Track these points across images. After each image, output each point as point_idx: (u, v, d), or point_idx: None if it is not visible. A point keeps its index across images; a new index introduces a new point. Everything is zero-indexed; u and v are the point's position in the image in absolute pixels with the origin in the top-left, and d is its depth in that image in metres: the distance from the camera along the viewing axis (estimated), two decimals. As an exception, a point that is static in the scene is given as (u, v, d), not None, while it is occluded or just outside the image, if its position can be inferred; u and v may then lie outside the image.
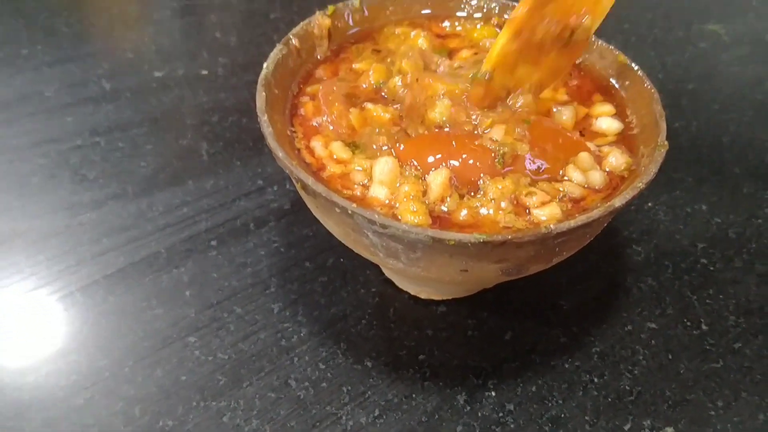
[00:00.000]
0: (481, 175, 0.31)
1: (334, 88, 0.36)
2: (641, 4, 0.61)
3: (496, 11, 0.41)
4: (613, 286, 0.40)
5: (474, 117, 0.33)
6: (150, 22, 0.57)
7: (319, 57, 0.38)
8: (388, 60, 0.38)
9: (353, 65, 0.38)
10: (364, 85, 0.36)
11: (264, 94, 0.33)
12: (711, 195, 0.45)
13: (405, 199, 0.30)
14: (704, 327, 0.38)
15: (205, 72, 0.52)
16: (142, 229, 0.41)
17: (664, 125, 0.33)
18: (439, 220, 0.30)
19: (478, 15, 0.41)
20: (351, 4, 0.39)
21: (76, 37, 0.54)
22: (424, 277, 0.32)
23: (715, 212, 0.44)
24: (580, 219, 0.29)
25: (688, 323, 0.38)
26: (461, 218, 0.30)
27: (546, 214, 0.30)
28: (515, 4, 0.34)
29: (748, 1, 0.64)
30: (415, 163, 0.31)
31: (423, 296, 0.38)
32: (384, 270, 0.39)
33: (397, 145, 0.32)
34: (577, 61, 0.39)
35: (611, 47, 0.38)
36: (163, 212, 0.42)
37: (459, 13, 0.42)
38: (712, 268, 0.41)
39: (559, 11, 0.33)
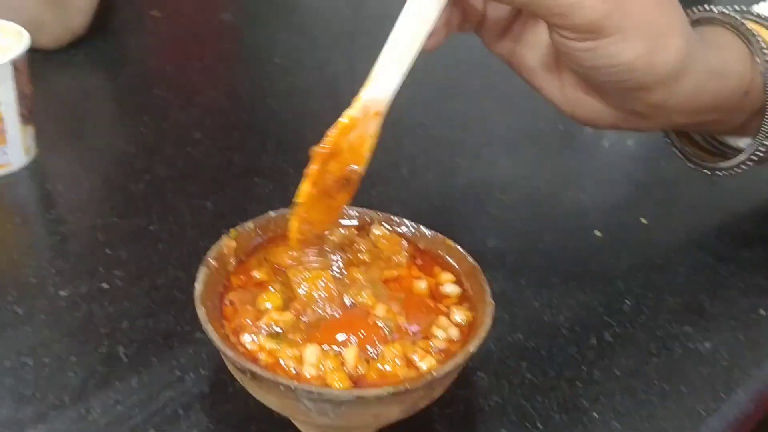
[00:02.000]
0: (376, 343, 0.44)
1: (246, 298, 0.47)
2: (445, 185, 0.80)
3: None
4: (469, 406, 0.53)
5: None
6: (44, 247, 0.65)
7: (230, 269, 0.50)
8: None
9: (253, 274, 0.50)
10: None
11: (203, 308, 0.44)
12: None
13: (330, 372, 0.42)
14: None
15: (106, 286, 0.60)
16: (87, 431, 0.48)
17: (488, 288, 0.48)
18: (355, 381, 0.42)
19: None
20: (247, 227, 0.51)
21: (-23, 271, 0.61)
22: (342, 426, 0.43)
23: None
24: (450, 364, 0.42)
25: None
26: (372, 377, 0.42)
27: (426, 364, 0.43)
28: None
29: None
30: (329, 346, 0.43)
31: (335, 443, 0.49)
32: (300, 427, 0.49)
33: (315, 333, 0.44)
34: (421, 247, 0.53)
35: (438, 235, 0.53)
36: (102, 413, 0.50)
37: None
38: (535, 381, 0.55)
39: (338, 164, 0.48)
